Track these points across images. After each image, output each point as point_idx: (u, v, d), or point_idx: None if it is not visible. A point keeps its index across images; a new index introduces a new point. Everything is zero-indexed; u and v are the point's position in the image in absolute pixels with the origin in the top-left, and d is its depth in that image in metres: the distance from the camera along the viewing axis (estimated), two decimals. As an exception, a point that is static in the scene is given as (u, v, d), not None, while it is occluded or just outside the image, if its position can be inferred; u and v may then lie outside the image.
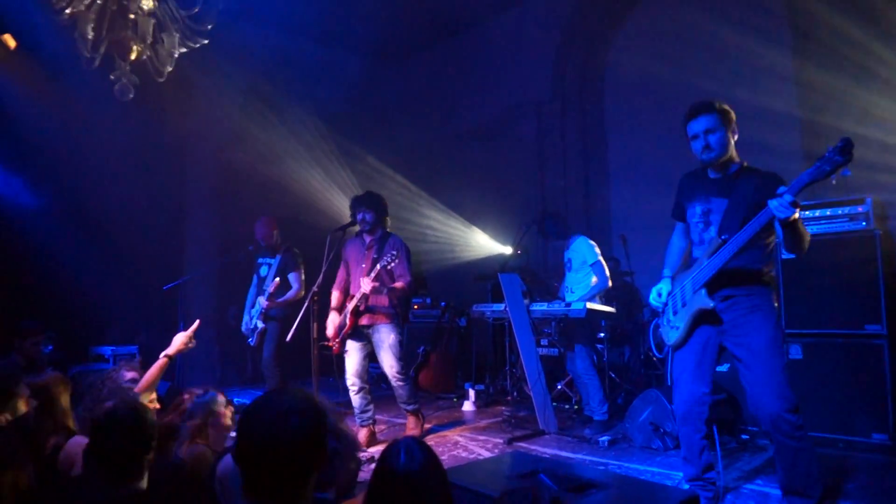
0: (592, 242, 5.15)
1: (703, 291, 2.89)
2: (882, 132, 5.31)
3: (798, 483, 2.75)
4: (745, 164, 2.98)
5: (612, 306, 5.30)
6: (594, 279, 5.04)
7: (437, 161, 9.04)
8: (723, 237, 2.81)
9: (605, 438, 4.46)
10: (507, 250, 7.91)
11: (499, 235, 8.31)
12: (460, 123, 8.77)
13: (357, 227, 4.82)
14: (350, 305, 4.64)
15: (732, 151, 2.94)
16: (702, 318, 2.96)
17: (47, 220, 6.76)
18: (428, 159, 9.10)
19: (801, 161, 5.84)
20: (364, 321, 4.67)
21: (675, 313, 3.10)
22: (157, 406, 2.90)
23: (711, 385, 3.01)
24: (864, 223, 4.25)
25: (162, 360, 3.01)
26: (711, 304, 2.86)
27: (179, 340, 3.16)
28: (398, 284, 4.67)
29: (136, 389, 2.64)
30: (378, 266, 4.50)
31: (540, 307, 5.00)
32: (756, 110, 6.02)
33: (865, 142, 5.33)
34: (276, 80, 8.32)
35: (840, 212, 4.35)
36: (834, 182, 2.50)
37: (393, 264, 4.53)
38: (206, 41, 5.92)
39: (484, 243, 8.45)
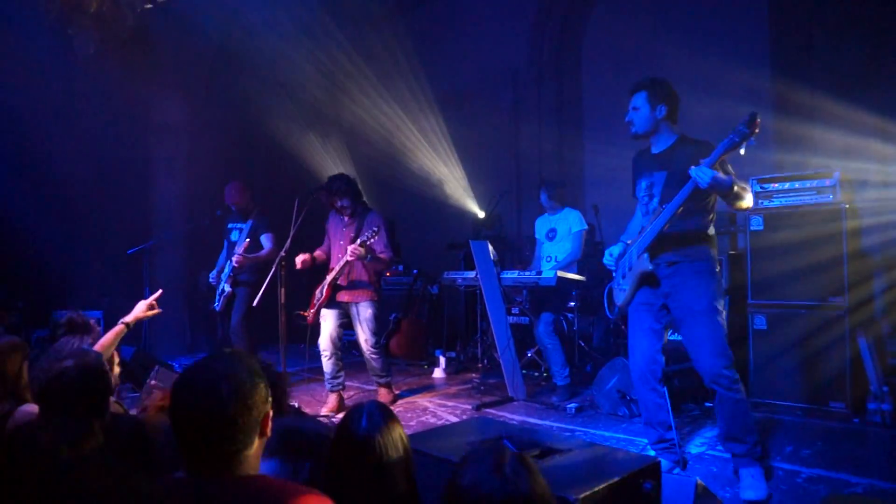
0: (580, 213, 5.19)
1: (646, 256, 3.05)
2: (852, 106, 5.38)
3: (736, 430, 2.96)
4: (683, 135, 3.12)
5: (582, 275, 5.33)
6: (571, 248, 5.05)
7: (412, 126, 8.91)
8: (663, 206, 2.98)
9: (572, 405, 4.52)
10: (481, 213, 7.90)
11: (472, 203, 8.27)
12: (435, 89, 8.62)
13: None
14: (329, 277, 4.67)
15: (663, 125, 3.10)
16: (645, 281, 3.13)
17: (7, 182, 6.52)
18: (403, 124, 8.97)
19: (770, 133, 5.89)
20: (343, 297, 4.71)
21: (623, 277, 3.27)
22: (117, 370, 2.84)
23: (661, 344, 3.16)
24: (830, 196, 4.30)
25: (119, 326, 2.94)
26: (650, 267, 3.04)
27: (140, 308, 3.09)
28: (382, 256, 4.70)
29: None
30: (359, 241, 4.51)
31: (511, 275, 5.00)
32: (728, 83, 6.05)
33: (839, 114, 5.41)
34: (247, 42, 8.06)
35: (808, 185, 4.39)
36: (742, 153, 2.71)
37: (373, 240, 4.55)
38: (171, -5, 5.70)
39: (457, 211, 8.39)
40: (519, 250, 7.33)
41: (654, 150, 3.16)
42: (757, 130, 2.61)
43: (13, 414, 2.12)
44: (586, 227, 5.13)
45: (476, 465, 1.30)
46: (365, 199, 4.98)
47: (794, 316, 4.34)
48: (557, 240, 5.17)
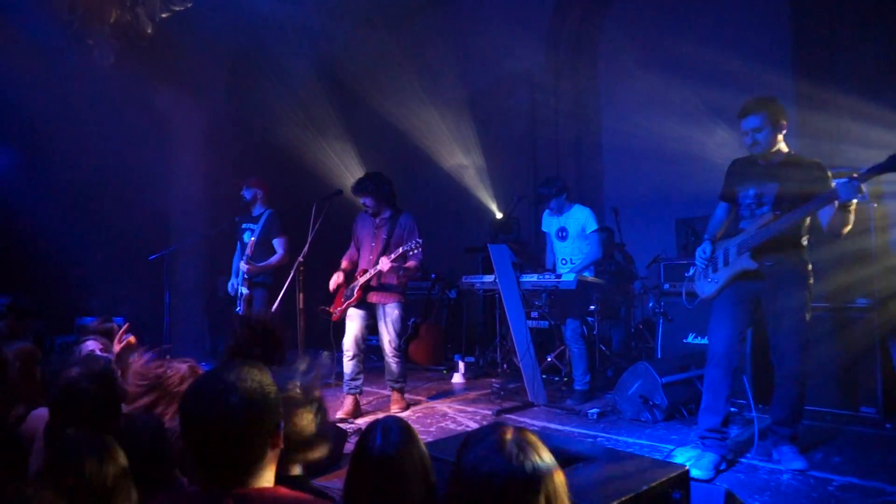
0: (592, 211, 5.05)
1: (748, 254, 3.26)
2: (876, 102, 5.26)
3: (790, 417, 3.31)
4: (792, 152, 3.36)
5: (602, 279, 5.26)
6: (589, 249, 4.96)
7: (428, 129, 8.90)
8: (776, 212, 3.21)
9: (594, 411, 4.45)
10: (499, 214, 7.86)
11: (490, 207, 8.23)
12: (452, 91, 8.60)
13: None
14: (361, 280, 4.68)
15: (780, 143, 3.29)
16: (741, 277, 3.32)
17: (30, 190, 6.61)
18: (421, 129, 8.96)
19: (794, 130, 5.78)
20: (372, 299, 4.72)
21: (714, 271, 3.46)
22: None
23: (743, 337, 3.40)
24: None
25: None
26: (755, 266, 3.23)
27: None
28: (411, 264, 4.69)
29: None
30: (400, 250, 4.54)
31: (530, 279, 4.95)
32: (749, 81, 5.95)
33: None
34: (265, 46, 8.11)
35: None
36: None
37: (415, 251, 4.56)
38: (189, 4, 5.73)
39: (475, 215, 8.36)
40: (537, 255, 7.27)
41: (762, 162, 3.34)
42: None
43: (27, 418, 2.12)
44: (598, 225, 5.00)
45: (477, 444, 1.24)
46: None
47: (822, 318, 4.22)
48: (570, 239, 5.03)
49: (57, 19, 5.26)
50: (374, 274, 4.60)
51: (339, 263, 4.96)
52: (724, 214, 3.59)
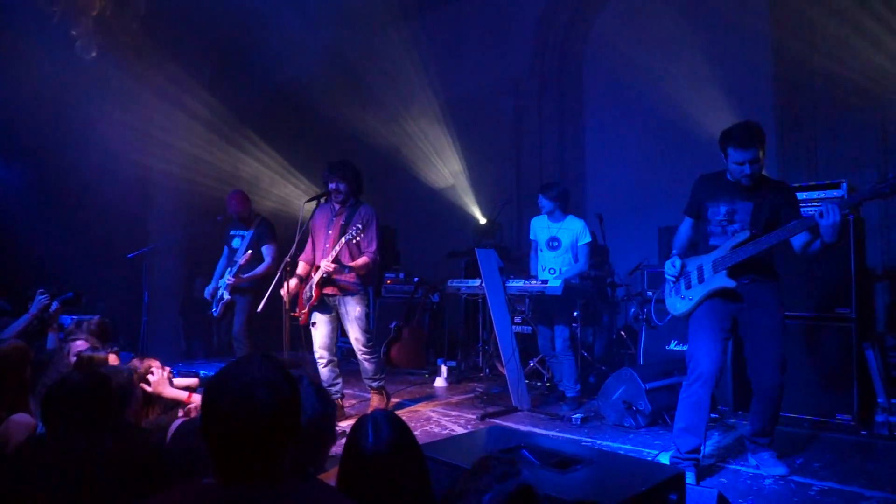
0: (585, 223, 5.00)
1: (725, 272, 3.25)
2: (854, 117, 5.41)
3: (768, 428, 3.37)
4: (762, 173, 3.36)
5: (585, 285, 5.29)
6: (579, 261, 4.94)
7: (413, 133, 8.90)
8: (753, 231, 3.22)
9: (577, 415, 4.47)
10: (482, 219, 7.88)
11: (474, 210, 8.25)
12: (438, 97, 8.62)
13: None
14: (315, 277, 4.49)
15: None
16: (717, 294, 3.32)
17: (5, 187, 6.45)
18: (404, 133, 8.96)
19: (773, 145, 5.91)
20: (329, 291, 4.53)
21: (688, 287, 3.44)
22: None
23: (726, 351, 3.37)
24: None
25: None
26: (734, 284, 3.23)
27: None
28: (359, 262, 4.49)
29: None
30: (343, 239, 4.37)
31: (516, 284, 4.96)
32: (730, 94, 6.08)
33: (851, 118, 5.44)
34: (249, 48, 8.04)
35: (815, 196, 4.38)
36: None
37: (357, 238, 4.39)
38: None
39: (459, 220, 8.37)
40: (519, 260, 7.31)
41: (732, 179, 3.31)
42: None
43: (7, 422, 2.04)
44: (590, 238, 4.97)
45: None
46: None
47: (801, 327, 4.32)
48: (561, 251, 4.96)
49: (38, 10, 5.16)
50: (322, 274, 4.40)
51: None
52: (690, 230, 3.60)
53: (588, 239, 4.92)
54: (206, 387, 1.25)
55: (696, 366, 3.25)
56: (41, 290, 3.92)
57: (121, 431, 1.91)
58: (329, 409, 1.84)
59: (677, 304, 3.48)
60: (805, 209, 4.36)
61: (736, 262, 3.23)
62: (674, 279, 3.49)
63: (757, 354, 3.30)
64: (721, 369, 3.28)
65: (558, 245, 4.98)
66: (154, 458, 1.85)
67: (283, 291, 4.47)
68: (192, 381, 3.02)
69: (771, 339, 3.24)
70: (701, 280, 3.37)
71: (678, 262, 3.48)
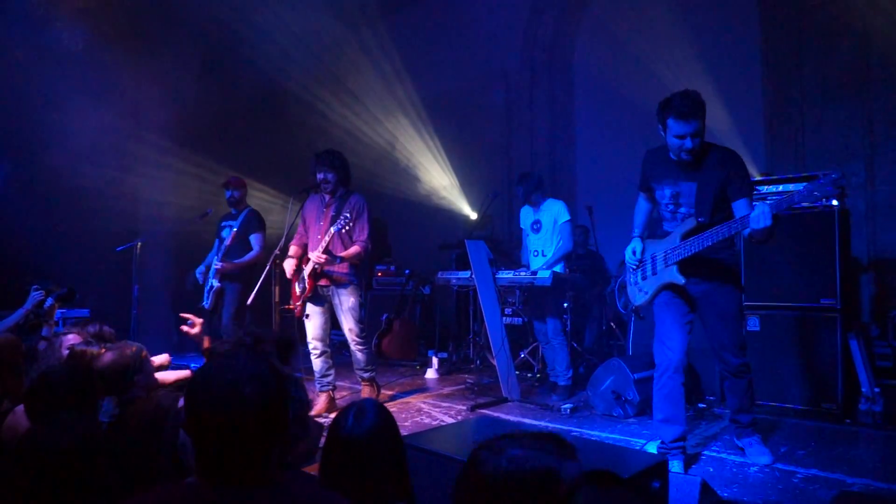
0: (565, 203, 5.10)
1: (675, 268, 3.15)
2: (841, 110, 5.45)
3: (745, 403, 3.39)
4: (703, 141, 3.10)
5: (574, 277, 5.33)
6: (560, 241, 5.01)
7: (403, 127, 8.89)
8: (699, 220, 3.08)
9: (567, 406, 4.51)
10: (472, 214, 7.89)
11: (464, 204, 8.26)
12: (427, 90, 8.61)
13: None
14: (307, 269, 4.50)
15: None
16: (669, 288, 3.25)
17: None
18: (395, 125, 8.94)
19: (762, 136, 5.95)
20: (323, 282, 4.55)
21: (643, 278, 3.37)
22: None
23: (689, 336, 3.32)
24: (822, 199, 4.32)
25: None
26: (682, 281, 3.13)
27: None
28: (351, 251, 4.51)
29: None
30: (332, 230, 4.37)
31: (506, 275, 4.99)
32: (720, 86, 6.10)
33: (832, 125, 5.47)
34: (238, 39, 8.00)
35: (800, 187, 4.41)
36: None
37: (347, 228, 4.39)
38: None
39: (449, 212, 8.38)
40: (510, 252, 7.33)
41: (675, 158, 3.14)
42: (841, 193, 2.73)
43: (13, 412, 2.07)
44: (569, 216, 5.03)
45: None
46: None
47: (786, 317, 4.37)
48: (543, 232, 5.05)
49: (24, 1, 5.11)
50: (314, 265, 4.43)
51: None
52: (647, 205, 3.50)
53: (566, 217, 4.99)
54: (189, 382, 1.21)
55: (663, 357, 3.24)
56: (35, 287, 3.92)
57: (131, 401, 1.92)
58: (301, 396, 1.86)
59: (636, 296, 3.44)
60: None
61: (683, 256, 3.12)
62: (634, 267, 3.40)
63: (713, 339, 3.29)
64: (687, 353, 3.23)
65: (540, 227, 5.09)
66: (164, 419, 1.86)
67: (288, 270, 4.53)
68: (185, 373, 3.03)
69: (724, 326, 3.22)
70: (654, 272, 3.30)
71: (639, 247, 3.37)
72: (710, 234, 3.02)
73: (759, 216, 2.79)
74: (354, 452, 1.56)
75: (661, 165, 3.22)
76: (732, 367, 3.28)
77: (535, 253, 5.10)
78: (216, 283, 5.36)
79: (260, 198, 8.63)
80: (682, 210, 3.18)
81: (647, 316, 5.15)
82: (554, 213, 5.02)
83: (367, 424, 1.60)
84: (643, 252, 3.37)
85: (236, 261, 5.35)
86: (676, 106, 2.95)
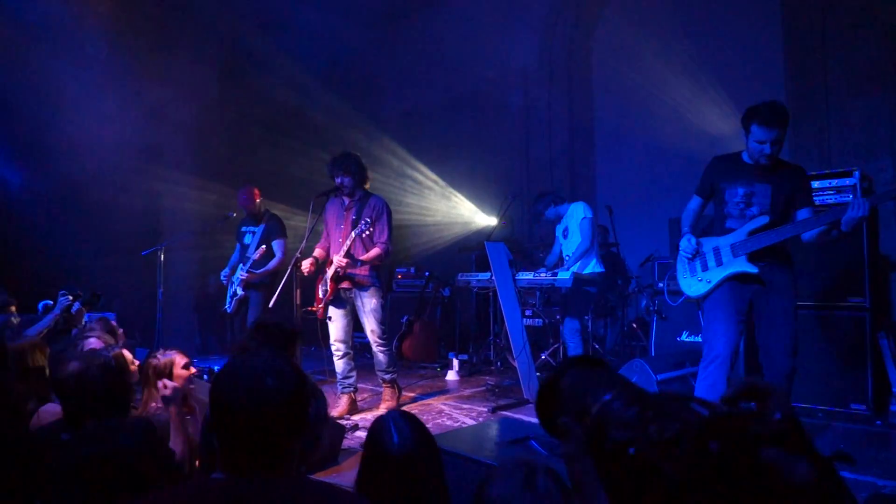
0: (585, 202, 5.23)
1: (745, 258, 3.27)
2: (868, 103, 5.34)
3: None
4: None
5: (595, 277, 5.29)
6: (580, 238, 5.04)
7: (422, 130, 8.91)
8: (773, 218, 3.24)
9: (588, 407, 4.47)
10: (492, 221, 7.86)
11: (484, 206, 8.25)
12: (446, 92, 8.62)
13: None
14: (329, 272, 4.54)
15: None
16: (735, 278, 3.32)
17: (19, 184, 6.54)
18: (414, 128, 8.96)
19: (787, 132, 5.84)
20: (344, 284, 4.59)
21: (704, 269, 3.42)
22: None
23: (742, 335, 3.37)
24: (850, 195, 4.24)
25: None
26: (756, 270, 3.24)
27: None
28: (371, 254, 4.54)
29: None
30: (353, 233, 4.41)
31: (526, 276, 4.97)
32: (741, 81, 6.02)
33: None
34: (259, 45, 8.08)
35: (827, 184, 4.34)
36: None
37: (368, 232, 4.43)
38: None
39: (468, 214, 8.38)
40: (531, 253, 7.30)
41: (749, 161, 3.33)
42: (868, 188, 2.81)
43: (38, 413, 2.11)
44: (591, 214, 5.10)
45: (505, 478, 1.26)
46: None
47: (814, 316, 4.29)
48: (571, 235, 5.20)
49: (49, 8, 5.21)
50: (336, 269, 4.46)
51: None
52: (699, 209, 3.60)
53: (582, 214, 5.09)
54: (214, 378, 1.25)
55: (712, 348, 3.28)
56: (63, 292, 4.02)
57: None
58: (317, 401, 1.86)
59: (693, 286, 3.45)
60: (819, 198, 4.37)
61: (757, 248, 3.24)
62: (689, 256, 3.46)
63: (770, 337, 3.30)
64: (736, 352, 3.26)
65: (567, 232, 5.25)
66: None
67: (304, 269, 4.58)
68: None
69: (785, 322, 3.25)
70: (719, 263, 3.36)
71: (693, 241, 3.44)
72: (793, 226, 3.20)
73: (857, 204, 2.96)
74: (403, 466, 1.55)
75: (733, 168, 3.39)
76: (785, 369, 3.25)
77: (566, 257, 5.21)
78: (240, 292, 5.42)
79: (283, 206, 8.71)
80: (753, 209, 3.32)
81: (669, 316, 5.10)
82: (576, 214, 5.14)
83: (410, 436, 1.59)
84: (698, 244, 3.45)
85: (259, 270, 5.39)
86: (762, 113, 3.15)
